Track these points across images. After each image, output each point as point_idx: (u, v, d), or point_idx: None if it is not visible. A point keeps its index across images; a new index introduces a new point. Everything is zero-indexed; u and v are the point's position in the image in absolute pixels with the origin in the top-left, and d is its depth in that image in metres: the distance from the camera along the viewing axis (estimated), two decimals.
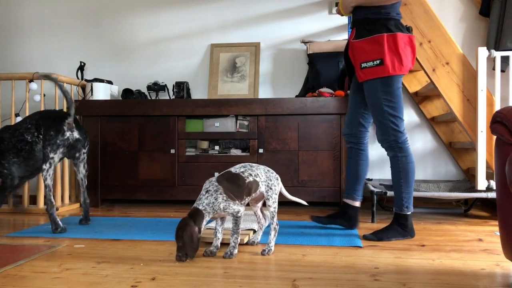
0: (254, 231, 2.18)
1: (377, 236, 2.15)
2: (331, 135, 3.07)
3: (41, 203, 3.03)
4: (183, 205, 3.30)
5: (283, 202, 3.28)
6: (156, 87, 3.51)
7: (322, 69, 3.31)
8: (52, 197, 2.38)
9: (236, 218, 1.81)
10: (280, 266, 1.71)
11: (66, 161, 3.21)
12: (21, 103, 3.56)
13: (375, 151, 3.51)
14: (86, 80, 3.49)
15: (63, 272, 1.64)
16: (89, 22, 3.86)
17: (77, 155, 2.55)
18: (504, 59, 3.06)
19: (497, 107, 2.66)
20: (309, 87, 3.36)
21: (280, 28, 3.65)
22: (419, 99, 3.42)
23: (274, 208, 1.88)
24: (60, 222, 2.35)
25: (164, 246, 2.03)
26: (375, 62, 2.10)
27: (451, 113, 2.87)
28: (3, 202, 2.52)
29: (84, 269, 1.68)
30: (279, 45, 3.66)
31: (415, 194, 2.61)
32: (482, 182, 2.63)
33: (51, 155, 2.39)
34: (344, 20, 3.54)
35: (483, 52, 2.63)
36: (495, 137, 1.47)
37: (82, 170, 2.60)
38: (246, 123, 3.18)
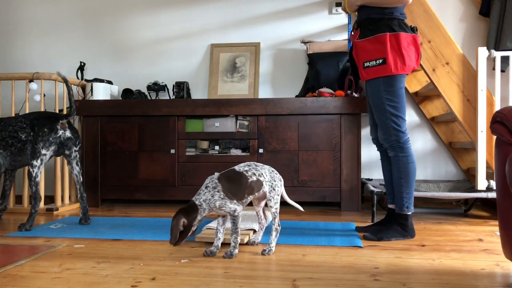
0: (255, 231, 2.18)
1: (377, 236, 2.15)
2: (331, 135, 3.07)
3: (41, 203, 3.02)
4: (183, 205, 3.29)
5: (283, 202, 3.28)
6: (156, 87, 3.51)
7: (322, 69, 3.31)
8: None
9: (233, 218, 1.81)
10: (280, 266, 1.71)
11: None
12: (21, 103, 3.56)
13: (375, 151, 3.49)
14: (86, 80, 3.49)
15: (63, 272, 1.64)
16: (89, 22, 3.86)
17: (67, 152, 2.56)
18: (504, 59, 3.06)
19: (497, 107, 2.66)
20: (309, 87, 3.36)
21: (280, 28, 3.65)
22: (419, 99, 3.42)
23: (276, 209, 1.89)
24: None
25: (164, 246, 2.03)
26: (378, 61, 2.10)
27: (451, 113, 2.87)
28: None
29: (84, 269, 1.68)
30: (279, 45, 3.66)
31: (415, 194, 2.61)
32: (482, 182, 2.63)
33: (43, 151, 2.42)
34: (344, 20, 3.54)
35: (483, 52, 2.63)
36: (495, 137, 1.47)
37: (75, 167, 2.60)
38: (246, 123, 3.18)
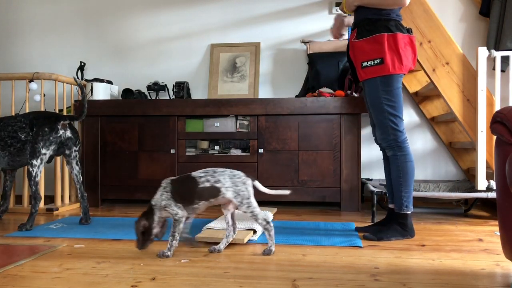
0: (255, 231, 2.18)
1: (377, 236, 2.15)
2: (331, 135, 3.07)
3: (41, 203, 3.03)
4: None
5: (283, 202, 3.29)
6: (156, 87, 3.52)
7: (322, 69, 3.31)
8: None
9: (174, 221, 1.85)
10: (280, 266, 1.71)
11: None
12: (21, 103, 3.56)
13: (375, 151, 3.51)
14: (86, 80, 3.49)
15: (63, 272, 1.64)
16: (89, 22, 3.86)
17: (67, 152, 2.56)
18: (504, 59, 3.06)
19: (497, 107, 2.66)
20: (309, 87, 3.36)
21: (280, 28, 3.65)
22: (419, 99, 3.42)
23: (251, 211, 1.83)
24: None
25: (164, 246, 2.02)
26: (375, 61, 2.12)
27: (451, 113, 2.87)
28: None
29: (84, 269, 1.68)
30: (279, 45, 3.66)
31: (415, 194, 2.61)
32: (482, 182, 2.63)
33: (43, 150, 2.41)
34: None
35: (483, 52, 2.63)
36: (495, 137, 1.47)
37: (75, 167, 2.60)
38: (246, 123, 3.18)
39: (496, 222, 2.61)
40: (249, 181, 1.88)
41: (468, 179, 3.32)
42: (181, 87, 3.47)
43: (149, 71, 3.78)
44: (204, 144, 3.25)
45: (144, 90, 3.71)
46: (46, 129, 2.43)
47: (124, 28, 3.82)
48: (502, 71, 3.15)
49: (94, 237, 2.22)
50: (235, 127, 3.19)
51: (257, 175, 3.12)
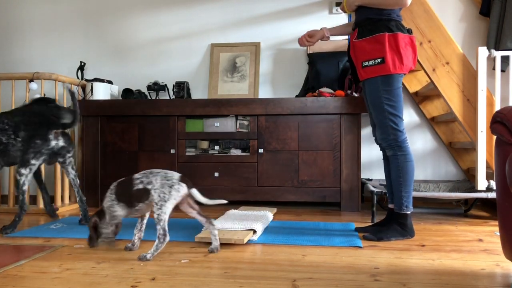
0: (254, 231, 2.18)
1: (377, 236, 2.15)
2: (331, 135, 3.07)
3: (41, 203, 3.03)
4: None
5: (283, 202, 3.29)
6: (156, 87, 3.52)
7: (322, 69, 3.31)
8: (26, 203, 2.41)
9: (111, 218, 1.89)
10: (280, 266, 1.71)
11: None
12: (21, 103, 3.55)
13: (375, 151, 3.51)
14: (86, 80, 3.49)
15: (63, 272, 1.64)
16: (89, 22, 3.86)
17: (61, 160, 2.48)
18: (504, 59, 3.06)
19: (497, 107, 2.66)
20: (309, 87, 3.36)
21: (280, 28, 3.65)
22: (419, 99, 3.42)
23: (158, 215, 1.79)
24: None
25: (164, 246, 2.02)
26: (376, 61, 2.13)
27: (451, 113, 2.87)
28: None
29: (84, 269, 1.68)
30: (279, 45, 3.66)
31: (415, 194, 2.61)
32: (482, 182, 2.63)
33: (33, 161, 2.33)
34: (344, 20, 3.54)
35: (483, 52, 2.63)
36: (495, 137, 1.47)
37: (71, 171, 2.54)
38: (246, 123, 3.18)
39: (496, 222, 2.61)
40: (178, 186, 1.82)
41: (468, 179, 3.32)
42: (181, 87, 3.47)
43: (149, 71, 3.78)
44: (204, 144, 3.25)
45: (144, 90, 3.71)
46: (37, 141, 2.32)
47: (124, 28, 3.82)
48: (502, 71, 3.15)
49: None
50: (235, 127, 3.19)
51: (257, 175, 3.12)
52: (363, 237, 2.18)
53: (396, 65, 2.11)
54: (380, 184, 3.04)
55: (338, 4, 3.55)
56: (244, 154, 3.17)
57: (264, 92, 3.65)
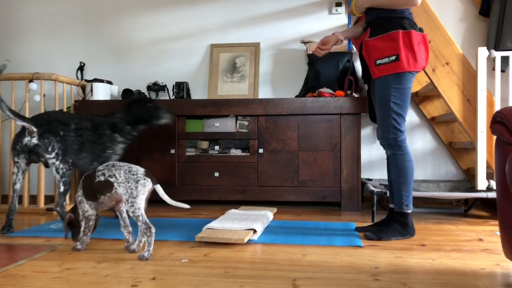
0: (255, 231, 2.18)
1: (377, 235, 2.15)
2: (331, 135, 3.07)
3: (41, 203, 3.03)
4: None
5: (283, 202, 3.29)
6: (156, 87, 3.51)
7: (322, 69, 3.31)
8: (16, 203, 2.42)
9: (83, 218, 1.91)
10: (280, 266, 1.71)
11: None
12: (21, 103, 3.56)
13: (375, 151, 3.51)
14: (86, 80, 3.49)
15: (63, 272, 1.64)
16: (89, 23, 3.86)
17: (42, 160, 2.39)
18: (504, 59, 3.06)
19: (497, 107, 2.66)
20: (309, 87, 3.36)
21: (280, 28, 3.65)
22: (419, 99, 3.42)
23: (133, 212, 1.78)
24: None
25: (164, 246, 2.03)
26: (390, 58, 2.12)
27: (451, 113, 2.87)
28: None
29: (84, 269, 1.68)
30: (279, 45, 3.66)
31: (415, 194, 2.61)
32: (482, 182, 2.63)
33: (15, 159, 2.36)
34: (344, 20, 3.54)
35: (483, 52, 2.63)
36: (495, 137, 1.47)
37: (56, 175, 2.38)
38: (246, 123, 3.18)
39: (496, 222, 2.61)
40: (144, 181, 1.81)
41: (468, 179, 3.32)
42: (181, 87, 3.47)
43: (149, 71, 3.78)
44: (204, 144, 3.26)
45: (144, 90, 3.71)
46: (17, 138, 2.34)
47: (124, 28, 3.82)
48: (502, 71, 3.15)
49: (94, 236, 2.21)
50: (235, 127, 3.19)
51: (257, 175, 3.12)
52: (364, 236, 2.19)
53: (410, 62, 2.10)
54: (380, 184, 3.04)
55: (338, 4, 3.55)
56: (244, 154, 3.17)
57: (264, 92, 3.65)
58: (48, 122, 2.36)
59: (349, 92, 3.15)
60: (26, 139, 2.32)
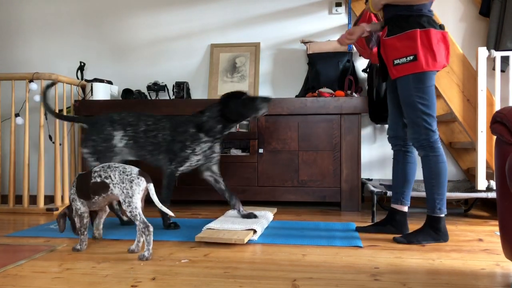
0: (255, 231, 2.18)
1: (407, 239, 2.09)
2: (331, 135, 3.07)
3: (41, 203, 3.03)
4: (183, 205, 3.30)
5: (283, 202, 3.29)
6: (156, 87, 3.51)
7: (322, 69, 3.31)
8: None
9: (77, 215, 1.93)
10: (280, 266, 1.71)
11: (66, 160, 3.21)
12: (21, 103, 3.55)
13: (375, 151, 3.51)
14: (86, 80, 3.49)
15: (63, 272, 1.64)
16: (89, 23, 3.86)
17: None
18: (504, 59, 3.06)
19: (497, 107, 2.66)
20: (309, 87, 3.36)
21: (280, 28, 3.65)
22: None
23: (130, 212, 1.80)
24: None
25: (164, 246, 2.03)
26: (408, 58, 2.05)
27: (451, 113, 2.87)
28: None
29: (84, 269, 1.68)
30: (279, 45, 3.66)
31: (415, 194, 2.61)
32: (482, 182, 2.63)
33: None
34: (344, 20, 3.54)
35: (483, 52, 2.63)
36: (495, 137, 1.47)
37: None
38: (246, 123, 3.17)
39: (496, 222, 2.61)
40: (138, 181, 1.83)
41: (468, 179, 3.32)
42: (181, 87, 3.47)
43: (149, 71, 3.78)
44: None
45: (144, 90, 3.71)
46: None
47: (124, 28, 3.82)
48: (502, 71, 3.15)
49: None
50: (235, 127, 3.18)
51: (257, 175, 3.12)
52: (393, 239, 2.13)
53: (429, 62, 2.04)
54: (380, 184, 3.04)
55: (338, 4, 3.55)
56: (244, 154, 3.17)
57: (264, 92, 3.65)
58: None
59: (349, 92, 3.14)
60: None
